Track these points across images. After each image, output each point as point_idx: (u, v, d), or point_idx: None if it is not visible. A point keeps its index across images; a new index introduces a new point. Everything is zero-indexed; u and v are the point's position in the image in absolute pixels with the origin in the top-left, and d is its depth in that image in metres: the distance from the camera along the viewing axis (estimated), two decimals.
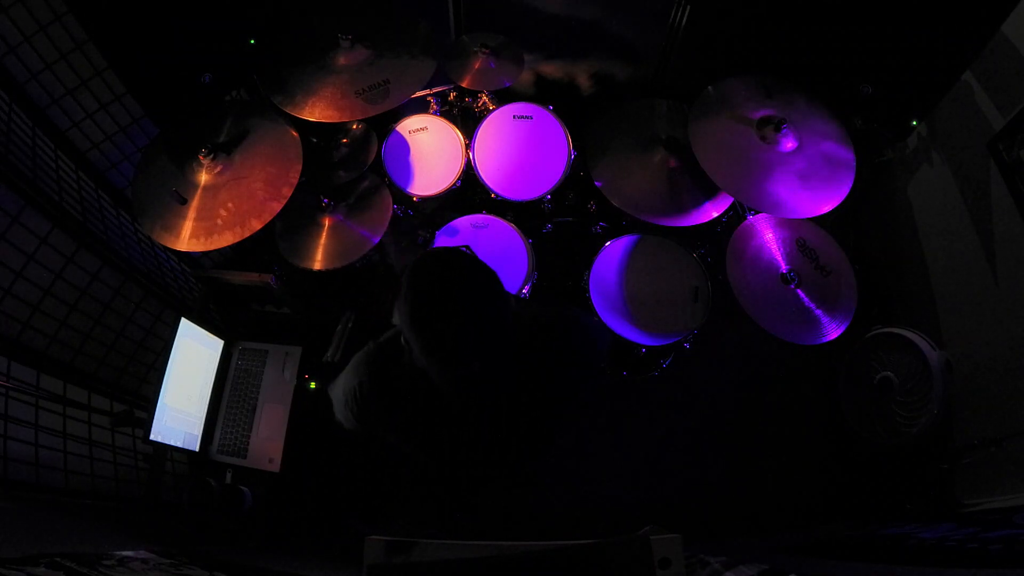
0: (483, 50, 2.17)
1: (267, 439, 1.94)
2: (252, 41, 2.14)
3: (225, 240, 1.76)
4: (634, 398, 2.41)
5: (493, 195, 2.14)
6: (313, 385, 2.01)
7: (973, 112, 1.97)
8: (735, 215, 2.14)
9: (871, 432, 2.05)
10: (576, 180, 2.24)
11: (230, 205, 1.80)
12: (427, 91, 2.28)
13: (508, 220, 2.13)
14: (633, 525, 0.89)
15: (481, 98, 2.34)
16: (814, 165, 1.89)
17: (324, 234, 2.07)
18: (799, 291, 1.94)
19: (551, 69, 2.56)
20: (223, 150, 1.86)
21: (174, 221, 1.79)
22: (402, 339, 0.98)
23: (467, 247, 1.00)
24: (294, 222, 2.08)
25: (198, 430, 1.92)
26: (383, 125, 2.21)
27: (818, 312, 1.93)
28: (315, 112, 1.89)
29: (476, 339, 0.93)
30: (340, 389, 1.18)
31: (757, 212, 2.07)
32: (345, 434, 1.22)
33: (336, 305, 2.17)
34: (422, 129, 2.25)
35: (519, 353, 1.08)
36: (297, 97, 1.91)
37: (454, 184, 2.17)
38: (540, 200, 2.15)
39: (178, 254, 2.31)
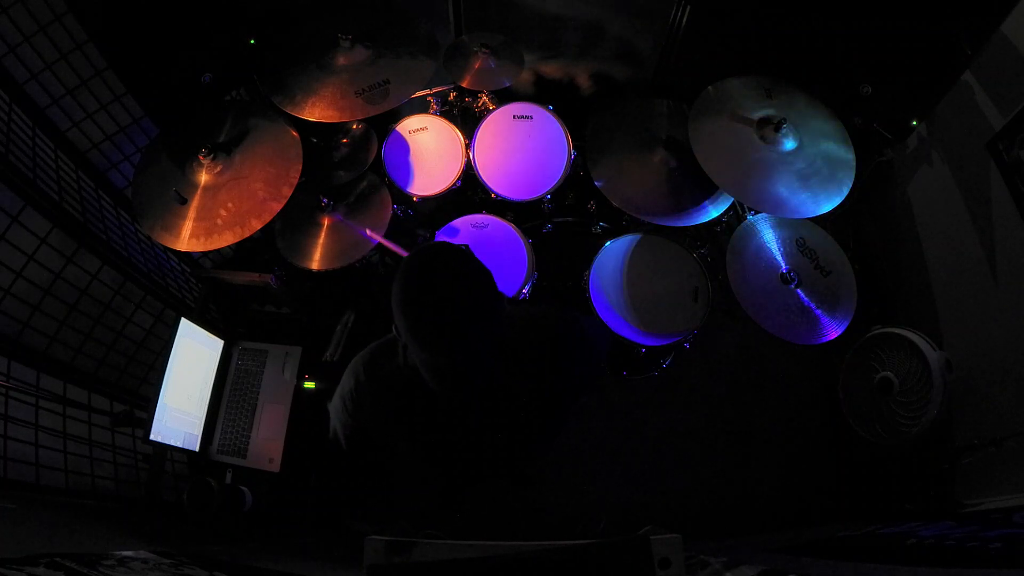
0: (483, 50, 2.17)
1: (267, 439, 1.94)
2: (252, 41, 2.13)
3: (225, 240, 1.76)
4: (634, 398, 2.41)
5: (493, 195, 2.14)
6: (313, 385, 2.01)
7: (973, 112, 1.97)
8: (735, 215, 2.14)
9: (871, 432, 2.05)
10: (576, 180, 2.24)
11: (230, 205, 1.80)
12: (427, 91, 2.28)
13: (508, 220, 2.13)
14: (633, 525, 0.89)
15: (481, 98, 2.34)
16: (814, 165, 1.89)
17: (323, 234, 2.07)
18: (799, 291, 1.94)
19: (551, 69, 2.55)
20: (223, 150, 1.86)
21: (174, 221, 1.79)
22: (393, 328, 0.99)
23: (466, 246, 1.01)
24: (293, 222, 2.08)
25: (198, 430, 1.92)
26: (383, 125, 2.21)
27: (818, 312, 1.93)
28: (315, 112, 1.89)
29: (462, 326, 0.93)
30: (337, 393, 1.19)
31: (757, 212, 2.07)
32: (340, 450, 1.23)
33: (336, 305, 2.17)
34: (422, 129, 2.25)
35: (516, 353, 1.09)
36: (297, 97, 1.91)
37: (454, 184, 2.17)
38: (540, 200, 2.15)
39: (178, 254, 2.31)
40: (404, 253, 1.90)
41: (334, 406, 1.21)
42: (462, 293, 0.94)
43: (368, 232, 1.93)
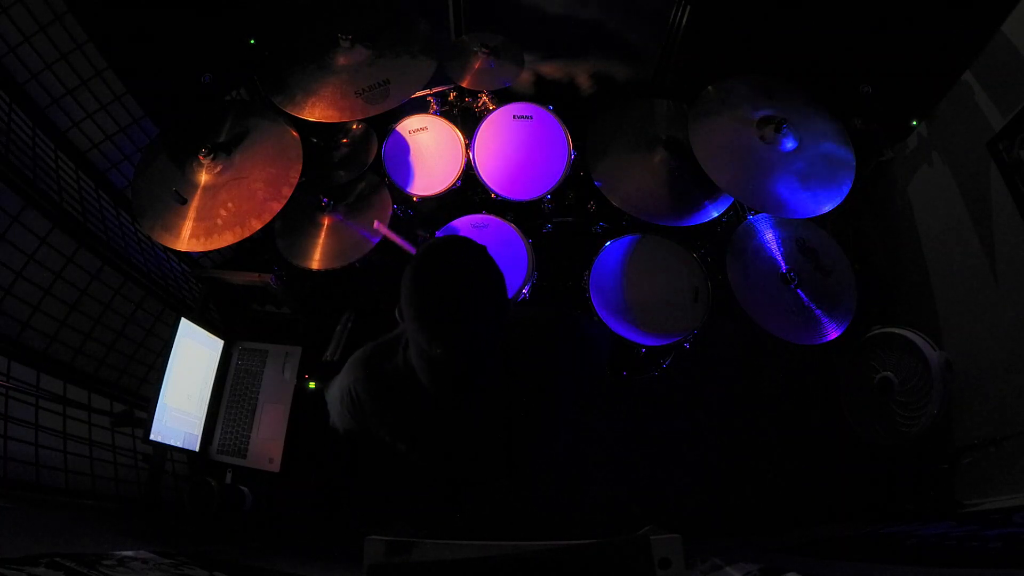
0: (483, 50, 2.17)
1: (267, 439, 1.94)
2: (252, 41, 2.14)
3: (225, 240, 1.76)
4: (634, 398, 2.41)
5: (493, 195, 2.14)
6: (313, 385, 2.01)
7: (973, 112, 1.97)
8: (735, 215, 2.14)
9: (871, 432, 2.05)
10: (576, 180, 2.24)
11: (230, 205, 1.80)
12: (427, 91, 2.28)
13: (508, 220, 2.13)
14: (633, 525, 0.89)
15: (481, 98, 2.34)
16: (814, 165, 1.89)
17: (323, 234, 2.07)
18: (799, 291, 1.94)
19: (551, 69, 2.55)
20: (223, 150, 1.86)
21: (174, 221, 1.79)
22: (396, 311, 0.99)
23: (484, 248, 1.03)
24: (294, 222, 2.08)
25: (198, 430, 1.92)
26: (383, 125, 2.21)
27: (818, 312, 1.93)
28: (315, 112, 1.89)
29: (466, 320, 0.94)
30: (336, 388, 1.19)
31: (757, 212, 2.07)
32: (341, 438, 1.23)
33: (336, 305, 2.17)
34: (422, 129, 2.25)
35: (517, 353, 1.09)
36: (297, 97, 1.91)
37: (454, 184, 2.17)
38: (540, 200, 2.15)
39: (178, 254, 2.31)
40: (410, 248, 1.89)
41: (332, 399, 1.20)
42: (472, 287, 0.95)
43: (376, 224, 1.93)
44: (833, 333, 1.92)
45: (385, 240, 2.03)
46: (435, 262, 0.96)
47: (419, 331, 0.96)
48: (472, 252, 0.98)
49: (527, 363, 1.12)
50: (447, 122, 2.25)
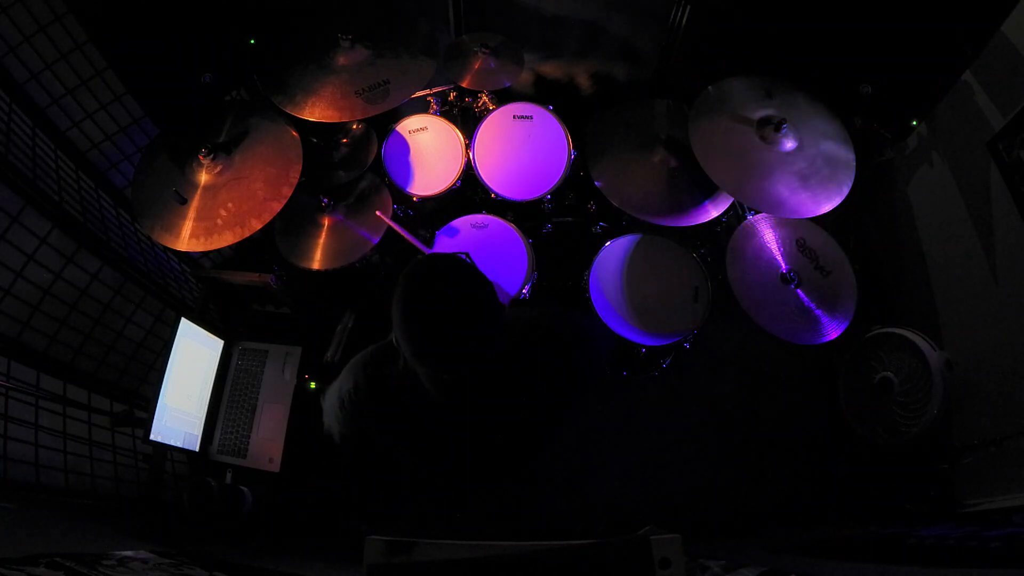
0: (483, 50, 2.17)
1: (267, 439, 1.94)
2: (252, 41, 2.14)
3: (225, 240, 1.76)
4: (634, 398, 2.41)
5: (493, 195, 2.14)
6: (313, 385, 2.01)
7: (973, 112, 1.97)
8: (735, 215, 2.14)
9: (871, 432, 2.05)
10: (576, 180, 2.24)
11: (230, 205, 1.80)
12: (427, 91, 2.28)
13: (508, 220, 2.13)
14: (633, 525, 0.89)
15: (481, 98, 2.34)
16: (814, 165, 1.89)
17: (323, 234, 2.07)
18: (799, 291, 1.94)
19: (551, 69, 2.55)
20: (223, 150, 1.86)
21: (174, 221, 1.79)
22: (393, 339, 0.99)
23: (466, 254, 1.02)
24: (294, 222, 2.08)
25: (198, 430, 1.92)
26: (383, 125, 2.21)
27: (818, 312, 1.93)
28: (315, 112, 1.89)
29: (462, 344, 0.94)
30: (335, 393, 1.19)
31: (757, 212, 2.07)
32: (334, 444, 1.23)
33: (336, 305, 2.17)
34: (422, 129, 2.25)
35: (517, 355, 1.09)
36: (297, 97, 1.91)
37: (454, 184, 2.17)
38: (540, 200, 2.15)
39: (178, 254, 2.31)
40: (417, 242, 1.89)
41: (329, 404, 1.20)
42: (462, 313, 0.94)
43: (378, 214, 1.97)
44: (833, 333, 1.91)
45: (384, 240, 2.03)
46: (419, 296, 0.95)
47: (420, 365, 0.96)
48: (454, 273, 0.97)
49: (527, 364, 1.12)
50: (447, 122, 2.25)
